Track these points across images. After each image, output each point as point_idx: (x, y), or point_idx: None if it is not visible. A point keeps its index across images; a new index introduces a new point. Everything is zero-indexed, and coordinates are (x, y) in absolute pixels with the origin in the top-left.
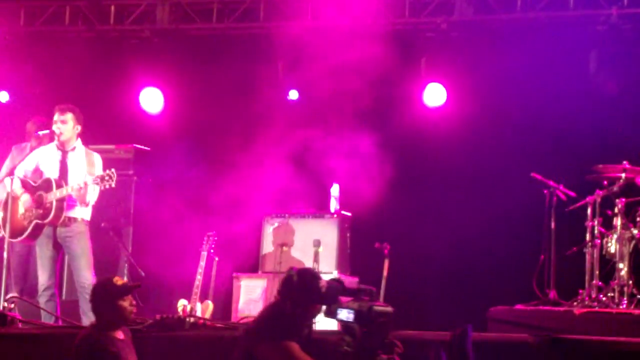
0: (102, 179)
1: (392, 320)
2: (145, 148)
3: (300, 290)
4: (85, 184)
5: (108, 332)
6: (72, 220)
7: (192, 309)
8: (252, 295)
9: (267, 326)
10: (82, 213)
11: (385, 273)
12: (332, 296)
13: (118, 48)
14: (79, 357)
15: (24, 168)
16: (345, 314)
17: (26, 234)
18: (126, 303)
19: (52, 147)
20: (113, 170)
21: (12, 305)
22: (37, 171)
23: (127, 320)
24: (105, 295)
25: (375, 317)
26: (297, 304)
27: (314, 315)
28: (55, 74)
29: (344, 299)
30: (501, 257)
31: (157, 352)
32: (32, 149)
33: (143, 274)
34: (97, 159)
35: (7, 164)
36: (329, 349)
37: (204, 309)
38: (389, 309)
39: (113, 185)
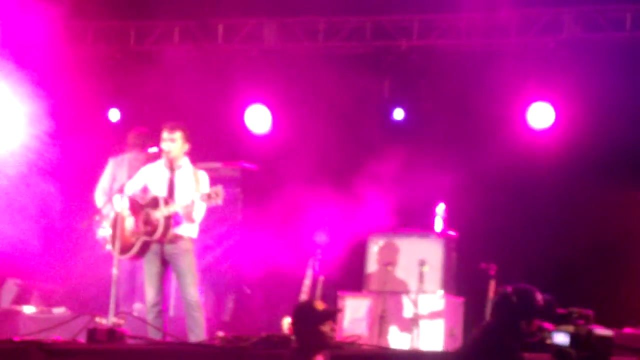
0: (209, 196)
1: (612, 346)
2: (252, 166)
3: (521, 308)
4: (192, 201)
5: (309, 356)
6: (178, 237)
7: None
8: (356, 315)
9: (483, 349)
10: (189, 231)
11: (491, 294)
12: (551, 312)
13: (226, 67)
14: None
15: (133, 185)
16: (562, 338)
17: (134, 251)
18: (327, 328)
19: (160, 164)
20: (220, 187)
21: (122, 321)
22: (145, 189)
23: (327, 346)
24: (306, 320)
25: (596, 342)
26: (524, 325)
27: (530, 335)
28: (164, 92)
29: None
30: (605, 279)
31: None
32: (130, 161)
33: (249, 291)
34: (204, 176)
35: (106, 177)
36: None
37: None
38: (610, 332)
39: (220, 203)
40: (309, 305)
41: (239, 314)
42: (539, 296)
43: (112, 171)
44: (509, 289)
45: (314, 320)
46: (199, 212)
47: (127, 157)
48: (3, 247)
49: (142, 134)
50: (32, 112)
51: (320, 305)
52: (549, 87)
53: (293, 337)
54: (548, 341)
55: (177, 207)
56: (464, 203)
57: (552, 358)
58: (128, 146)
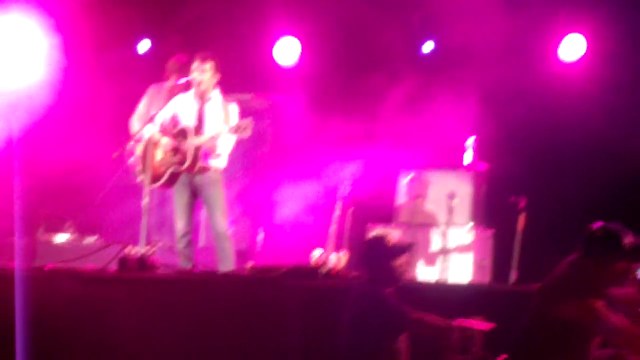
0: (237, 128)
1: None
2: (282, 97)
3: (604, 246)
4: (221, 133)
5: (381, 289)
6: (207, 168)
7: (327, 258)
8: None
9: (570, 285)
10: (218, 162)
11: (520, 227)
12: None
13: None
14: (356, 308)
15: (164, 115)
16: None
17: (163, 180)
18: (399, 262)
19: (190, 95)
20: (249, 120)
21: (153, 250)
22: (175, 120)
23: (399, 280)
24: (378, 254)
25: None
26: (600, 260)
27: (619, 275)
28: (195, 22)
29: None
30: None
31: (290, 301)
32: (170, 90)
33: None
34: (234, 109)
35: (144, 103)
36: None
37: (339, 259)
38: None
39: (248, 135)
40: (381, 239)
41: (268, 244)
42: (629, 237)
43: (149, 99)
44: (600, 225)
45: (387, 255)
46: (228, 144)
47: (166, 85)
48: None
49: (182, 62)
50: (58, 44)
51: (391, 239)
52: (581, 19)
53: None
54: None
55: (206, 138)
56: (494, 135)
57: (638, 292)
58: (167, 74)
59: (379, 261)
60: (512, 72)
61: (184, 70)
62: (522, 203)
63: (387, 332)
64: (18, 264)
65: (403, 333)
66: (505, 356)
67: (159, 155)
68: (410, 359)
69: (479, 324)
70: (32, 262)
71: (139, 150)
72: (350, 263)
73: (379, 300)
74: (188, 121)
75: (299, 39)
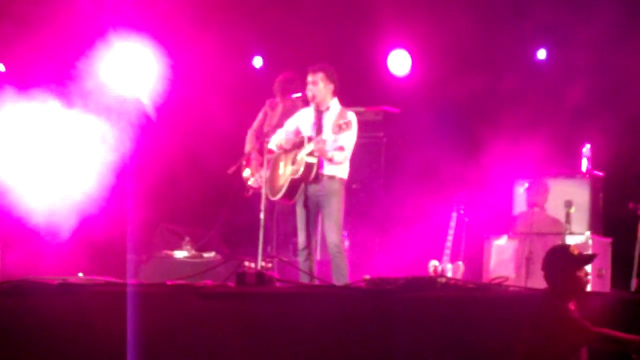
0: (339, 127)
1: None
2: (395, 110)
3: None
4: (321, 138)
5: (563, 301)
6: (325, 177)
7: (443, 270)
8: (503, 256)
9: None
10: (337, 171)
11: (639, 234)
12: None
13: (368, 8)
14: (537, 320)
15: (286, 130)
16: None
17: (282, 192)
18: (582, 273)
19: (310, 109)
20: (349, 119)
21: (270, 265)
22: (298, 133)
23: (581, 291)
24: (561, 264)
25: None
26: None
27: None
28: (304, 35)
29: None
30: None
31: (408, 312)
32: (283, 109)
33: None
34: (352, 116)
35: (259, 118)
36: None
37: (455, 270)
38: None
39: (350, 129)
40: (564, 249)
41: (384, 256)
42: None
43: (264, 114)
44: None
45: (570, 265)
46: (340, 146)
47: (280, 104)
48: (154, 194)
49: (288, 79)
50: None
51: (575, 249)
52: None
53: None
54: None
55: (313, 143)
56: (610, 143)
57: None
58: (275, 91)
59: (562, 271)
60: (627, 78)
61: (289, 87)
62: None
63: (569, 346)
64: (131, 280)
65: (583, 347)
66: None
67: (280, 169)
68: None
69: None
70: (148, 278)
71: (254, 164)
72: (466, 274)
73: (560, 313)
74: (306, 132)
75: (410, 51)
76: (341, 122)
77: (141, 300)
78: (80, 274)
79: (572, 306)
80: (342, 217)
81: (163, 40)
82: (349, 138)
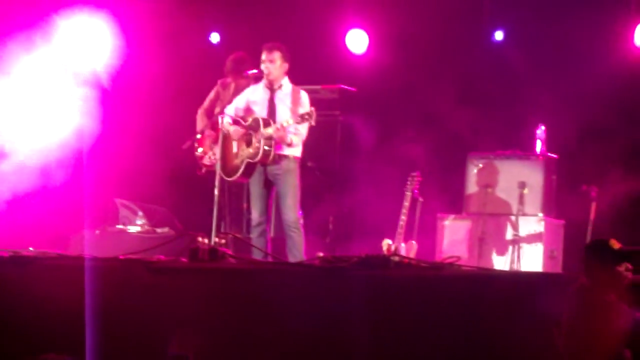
0: (302, 117)
1: None
2: (351, 89)
3: None
4: (282, 126)
5: (602, 295)
6: (282, 157)
7: (396, 248)
8: (456, 236)
9: None
10: (293, 150)
11: (592, 216)
12: None
13: None
14: (582, 315)
15: (236, 106)
16: None
17: (239, 173)
18: (622, 268)
19: (261, 86)
20: (312, 109)
21: (224, 241)
22: (249, 110)
23: (621, 286)
24: (602, 258)
25: None
26: None
27: None
28: (262, 13)
29: None
30: None
31: (361, 290)
32: (236, 87)
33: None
34: (304, 96)
35: (210, 97)
36: None
37: (408, 249)
38: None
39: (313, 124)
40: (605, 243)
41: (338, 235)
42: None
43: (216, 94)
44: None
45: (610, 259)
46: (299, 132)
47: (233, 81)
48: (110, 168)
49: (239, 59)
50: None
51: (615, 244)
52: None
53: (392, 259)
54: None
55: (274, 128)
56: (563, 125)
57: None
58: (226, 71)
59: (602, 265)
60: (583, 59)
61: (240, 67)
62: (594, 192)
63: (616, 334)
64: (88, 255)
65: (629, 334)
66: None
67: (233, 147)
68: None
69: None
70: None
71: (207, 142)
72: (419, 253)
73: (604, 303)
74: (260, 111)
75: (367, 30)
76: (304, 112)
77: (93, 274)
78: (31, 249)
79: (613, 298)
80: (299, 194)
81: (120, 14)
82: (307, 125)
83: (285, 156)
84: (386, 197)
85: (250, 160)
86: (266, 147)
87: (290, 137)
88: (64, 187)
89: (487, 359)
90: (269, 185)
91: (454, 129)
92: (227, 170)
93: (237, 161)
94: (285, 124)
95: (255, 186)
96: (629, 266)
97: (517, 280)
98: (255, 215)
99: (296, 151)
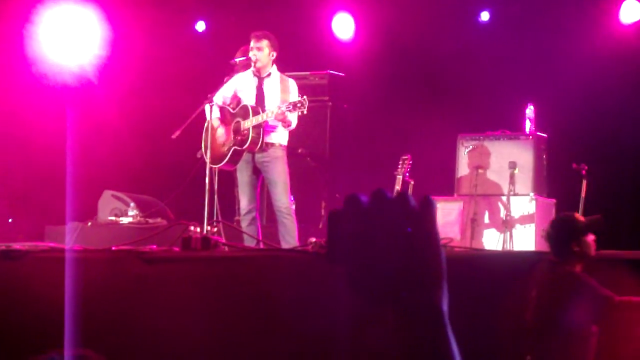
0: (294, 105)
1: None
2: (340, 74)
3: None
4: (276, 113)
5: (569, 267)
6: (269, 145)
7: None
8: (448, 218)
9: None
10: (280, 138)
11: (583, 194)
12: None
13: None
14: (549, 290)
15: (223, 94)
16: None
17: (225, 160)
18: (589, 239)
19: (248, 73)
20: (305, 97)
21: (216, 229)
22: (235, 97)
23: (588, 256)
24: (567, 231)
25: None
26: None
27: None
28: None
29: None
30: None
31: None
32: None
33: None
34: (292, 84)
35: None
36: None
37: None
38: None
39: (305, 112)
40: (570, 217)
41: None
42: None
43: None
44: None
45: (576, 232)
46: (289, 120)
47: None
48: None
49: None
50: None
51: (580, 216)
52: None
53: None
54: None
55: (263, 117)
56: (553, 103)
57: None
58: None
59: (568, 238)
60: (572, 38)
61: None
62: (584, 170)
63: (589, 315)
64: (69, 246)
65: (604, 315)
66: None
67: (220, 135)
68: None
69: None
70: (93, 244)
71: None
72: None
73: (576, 281)
74: (247, 99)
75: (353, 14)
76: (296, 100)
77: (86, 265)
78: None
79: (577, 270)
80: (288, 180)
81: (105, 2)
82: (297, 114)
83: (272, 144)
84: (377, 180)
85: (238, 148)
86: (254, 135)
87: (290, 118)
88: (49, 180)
89: (480, 340)
90: (256, 173)
91: (444, 110)
92: (213, 158)
93: (224, 149)
94: (275, 112)
95: (242, 174)
96: (594, 237)
97: (510, 260)
98: (244, 203)
99: (283, 139)
